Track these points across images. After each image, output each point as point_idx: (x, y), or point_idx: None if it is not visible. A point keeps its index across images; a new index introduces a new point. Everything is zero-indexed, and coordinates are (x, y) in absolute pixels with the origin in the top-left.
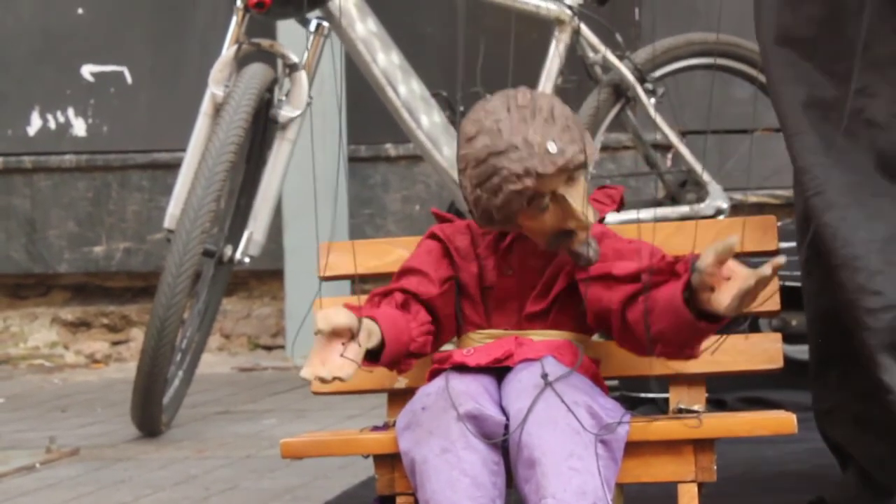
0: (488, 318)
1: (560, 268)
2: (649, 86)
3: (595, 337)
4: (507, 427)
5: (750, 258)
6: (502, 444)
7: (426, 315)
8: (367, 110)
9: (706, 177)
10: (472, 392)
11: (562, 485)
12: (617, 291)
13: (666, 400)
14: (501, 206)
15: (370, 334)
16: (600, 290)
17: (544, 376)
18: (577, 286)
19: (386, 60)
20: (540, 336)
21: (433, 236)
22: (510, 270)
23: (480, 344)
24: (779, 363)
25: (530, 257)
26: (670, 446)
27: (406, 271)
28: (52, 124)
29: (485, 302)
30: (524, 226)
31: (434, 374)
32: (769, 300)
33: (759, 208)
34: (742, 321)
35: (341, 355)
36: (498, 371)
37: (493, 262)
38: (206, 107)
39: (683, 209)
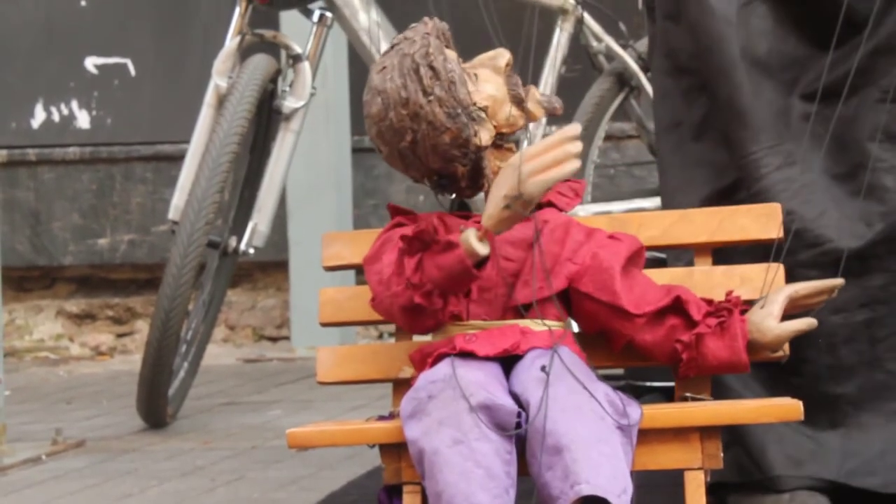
0: (467, 309)
1: (541, 255)
2: None
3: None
4: (519, 416)
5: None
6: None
7: None
8: None
9: None
10: (483, 381)
11: (594, 470)
12: (632, 325)
13: (672, 389)
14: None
15: None
16: (607, 314)
17: (556, 364)
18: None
19: None
20: (539, 326)
21: (399, 226)
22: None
23: (471, 332)
24: (785, 352)
25: (506, 246)
26: (677, 434)
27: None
28: (55, 117)
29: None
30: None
31: (429, 361)
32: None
33: None
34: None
35: None
36: (502, 359)
37: None
38: (209, 98)
39: None
